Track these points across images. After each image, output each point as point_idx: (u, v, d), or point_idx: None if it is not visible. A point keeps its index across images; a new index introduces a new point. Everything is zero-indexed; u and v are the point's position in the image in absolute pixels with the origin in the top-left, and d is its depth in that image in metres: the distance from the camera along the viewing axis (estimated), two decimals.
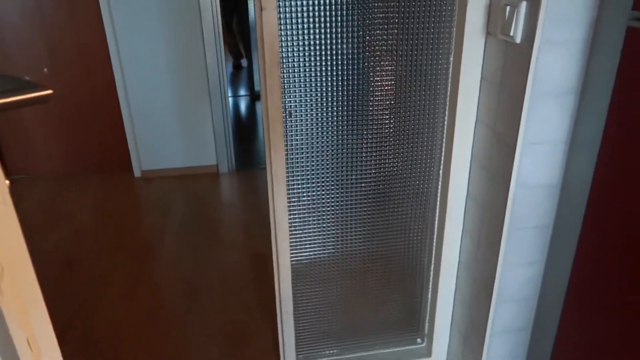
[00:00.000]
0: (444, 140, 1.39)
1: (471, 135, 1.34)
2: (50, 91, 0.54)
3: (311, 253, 1.49)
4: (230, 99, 4.96)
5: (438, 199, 1.46)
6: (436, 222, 1.49)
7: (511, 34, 1.10)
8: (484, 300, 1.36)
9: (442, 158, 1.41)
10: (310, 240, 1.47)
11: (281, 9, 1.21)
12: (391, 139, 1.40)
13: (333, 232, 1.48)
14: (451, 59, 1.31)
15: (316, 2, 1.22)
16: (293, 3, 1.21)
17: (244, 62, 6.04)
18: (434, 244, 1.53)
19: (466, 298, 1.48)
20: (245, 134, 4.23)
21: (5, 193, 0.52)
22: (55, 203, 3.00)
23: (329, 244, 1.49)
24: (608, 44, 1.03)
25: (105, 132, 3.31)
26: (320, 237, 1.47)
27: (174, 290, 2.18)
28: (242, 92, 5.49)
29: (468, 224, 1.43)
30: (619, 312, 1.08)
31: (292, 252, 1.45)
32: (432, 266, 1.56)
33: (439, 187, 1.45)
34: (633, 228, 1.01)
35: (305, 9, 1.22)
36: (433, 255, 1.54)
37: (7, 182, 0.52)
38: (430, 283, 1.58)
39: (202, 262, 2.38)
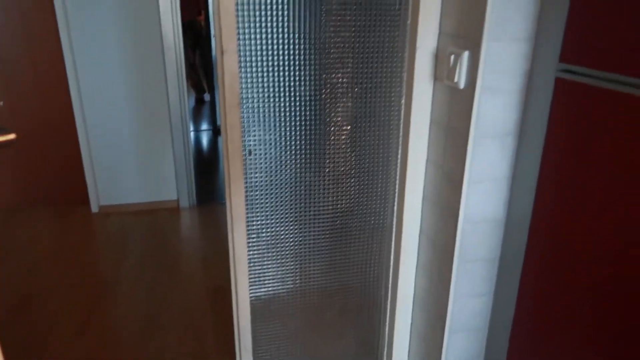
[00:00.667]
0: (397, 178, 1.46)
1: (422, 174, 1.41)
2: (13, 136, 0.56)
3: (270, 288, 1.51)
4: (192, 133, 4.96)
5: (393, 234, 1.52)
6: (392, 257, 1.55)
7: (455, 80, 1.19)
8: (438, 332, 1.41)
9: (396, 195, 1.48)
10: (269, 275, 1.49)
11: (241, 52, 1.26)
12: (348, 177, 1.45)
13: (292, 267, 1.50)
14: (402, 101, 1.39)
15: (275, 46, 1.29)
16: (253, 47, 1.27)
17: (207, 97, 6.08)
18: (390, 279, 1.57)
19: (421, 330, 1.52)
20: (206, 169, 4.22)
21: None
22: (6, 237, 2.89)
23: (288, 279, 1.51)
24: (540, 92, 1.13)
25: (62, 166, 3.25)
26: (279, 273, 1.49)
27: (131, 327, 2.13)
28: (204, 126, 5.51)
29: (421, 258, 1.49)
30: (562, 339, 1.14)
31: (251, 287, 1.47)
32: (389, 300, 1.60)
33: (394, 223, 1.51)
34: (570, 258, 1.09)
35: (264, 52, 1.28)
36: (389, 289, 1.59)
37: None
38: (387, 317, 1.62)
39: (160, 298, 2.34)
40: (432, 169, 1.38)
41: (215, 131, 5.23)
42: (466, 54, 1.16)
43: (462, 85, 1.19)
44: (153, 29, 2.94)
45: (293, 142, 1.38)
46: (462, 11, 1.18)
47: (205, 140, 5.12)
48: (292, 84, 1.33)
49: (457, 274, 1.33)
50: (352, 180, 1.46)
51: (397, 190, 1.47)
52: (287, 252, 1.48)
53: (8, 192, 3.24)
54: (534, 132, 1.16)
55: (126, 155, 3.16)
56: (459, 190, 1.24)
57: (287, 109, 1.35)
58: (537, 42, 1.12)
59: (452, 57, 1.20)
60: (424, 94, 1.33)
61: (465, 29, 1.17)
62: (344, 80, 1.37)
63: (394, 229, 1.52)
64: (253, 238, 1.42)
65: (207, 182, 3.85)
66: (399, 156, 1.43)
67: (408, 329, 1.60)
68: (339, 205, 1.47)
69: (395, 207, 1.49)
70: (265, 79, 1.31)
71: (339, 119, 1.41)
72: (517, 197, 1.25)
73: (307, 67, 1.33)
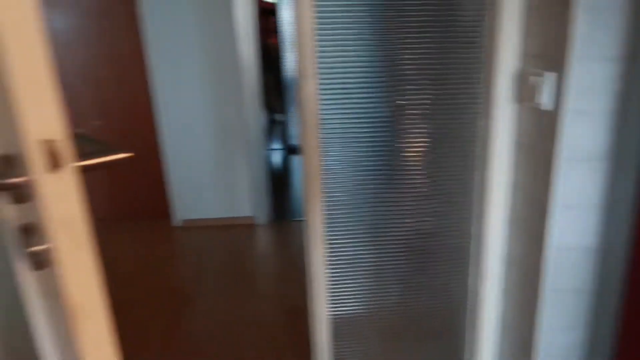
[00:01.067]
0: (479, 200, 1.42)
1: (505, 197, 1.37)
2: (131, 154, 0.63)
3: (349, 308, 1.51)
4: (266, 152, 5.13)
5: (475, 258, 1.48)
6: (474, 281, 1.50)
7: (540, 102, 1.16)
8: None
9: (477, 218, 1.44)
10: (347, 294, 1.49)
11: (320, 76, 1.30)
12: (427, 197, 1.44)
13: (370, 287, 1.50)
14: (483, 123, 1.36)
15: (353, 70, 1.32)
16: (332, 71, 1.31)
17: (280, 117, 6.27)
18: (473, 303, 1.53)
19: None
20: (279, 187, 4.33)
21: (84, 238, 0.59)
22: (99, 246, 3.13)
23: (366, 299, 1.51)
24: (635, 114, 1.07)
25: (147, 182, 3.48)
26: (357, 292, 1.50)
27: (210, 339, 2.21)
28: (277, 145, 5.67)
29: (506, 284, 1.43)
30: None
31: (329, 306, 1.48)
32: (471, 326, 1.55)
33: (475, 246, 1.47)
34: None
35: (343, 75, 1.32)
36: (472, 314, 1.54)
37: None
38: (470, 343, 1.57)
39: (238, 313, 2.41)
40: (515, 191, 1.33)
41: (288, 150, 5.36)
42: (551, 75, 1.12)
43: (547, 107, 1.15)
44: (231, 51, 3.10)
45: (371, 163, 1.39)
46: (546, 31, 1.14)
47: (277, 159, 5.26)
48: (370, 105, 1.35)
49: (545, 303, 1.27)
50: (432, 201, 1.44)
51: (478, 212, 1.43)
52: (365, 272, 1.48)
53: (99, 205, 3.51)
54: (628, 155, 1.10)
55: (205, 173, 3.33)
56: (545, 215, 1.19)
57: (366, 130, 1.37)
58: (633, 62, 1.07)
59: (536, 78, 1.17)
60: (505, 116, 1.30)
61: (550, 49, 1.13)
62: (422, 101, 1.37)
63: (475, 252, 1.48)
64: (331, 256, 1.44)
65: (280, 200, 3.95)
66: (480, 178, 1.40)
67: (491, 358, 1.54)
68: (418, 226, 1.46)
69: (477, 230, 1.45)
70: (344, 101, 1.34)
71: (418, 139, 1.41)
72: (612, 224, 1.17)
73: (385, 89, 1.35)
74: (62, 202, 0.56)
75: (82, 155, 0.61)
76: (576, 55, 1.07)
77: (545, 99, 1.14)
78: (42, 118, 0.53)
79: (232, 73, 3.14)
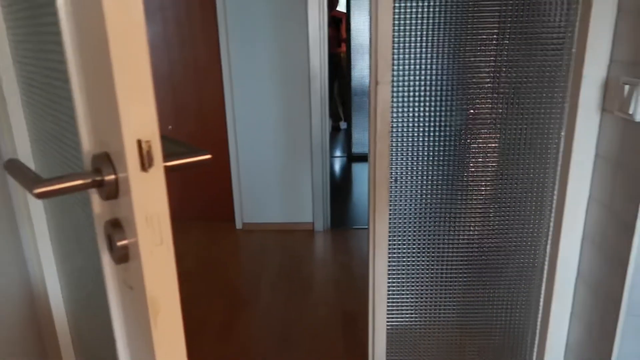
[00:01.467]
0: (553, 215, 1.35)
1: (583, 212, 1.29)
2: (209, 156, 0.65)
3: (408, 319, 1.48)
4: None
5: (544, 276, 1.40)
6: (542, 301, 1.42)
7: (630, 112, 1.08)
8: None
9: (551, 234, 1.37)
10: (407, 305, 1.46)
11: (394, 83, 1.29)
12: (496, 210, 1.39)
13: (431, 299, 1.46)
14: (562, 133, 1.30)
15: (426, 77, 1.30)
16: (406, 78, 1.30)
17: (343, 125, 6.30)
18: (539, 325, 1.45)
19: None
20: (340, 194, 4.34)
21: (167, 235, 0.61)
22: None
23: (426, 311, 1.48)
24: None
25: (214, 185, 3.59)
26: (418, 304, 1.46)
27: (266, 339, 2.25)
28: (338, 153, 5.68)
29: (578, 306, 1.34)
30: None
31: (388, 316, 1.46)
32: (536, 348, 1.47)
33: (546, 264, 1.40)
34: None
35: (417, 83, 1.30)
36: (537, 336, 1.46)
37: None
38: None
39: (294, 316, 2.43)
40: (596, 207, 1.25)
41: (350, 158, 5.37)
42: None
43: (638, 117, 1.07)
44: (302, 60, 3.16)
45: (440, 173, 1.36)
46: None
47: (338, 166, 5.28)
48: (442, 114, 1.32)
49: (624, 329, 1.18)
50: (501, 214, 1.39)
51: (552, 228, 1.36)
52: (427, 284, 1.45)
53: (173, 205, 3.67)
54: None
55: (269, 178, 3.39)
56: (630, 234, 1.11)
57: (436, 139, 1.34)
58: None
59: (627, 87, 1.09)
60: (589, 126, 1.23)
61: None
62: (496, 110, 1.33)
63: (545, 271, 1.40)
64: (394, 265, 1.42)
65: (340, 208, 3.96)
66: (556, 191, 1.33)
67: None
68: (485, 240, 1.41)
69: (549, 247, 1.38)
70: (416, 110, 1.32)
71: (489, 149, 1.36)
72: None
73: (458, 98, 1.32)
74: (151, 200, 0.59)
75: (169, 157, 0.64)
76: None
77: (636, 109, 1.06)
78: (140, 118, 0.55)
79: (301, 81, 3.20)
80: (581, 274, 1.32)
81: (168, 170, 0.64)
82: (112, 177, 0.60)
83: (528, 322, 1.47)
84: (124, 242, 0.61)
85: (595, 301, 1.26)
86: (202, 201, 3.66)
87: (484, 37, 1.27)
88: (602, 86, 1.20)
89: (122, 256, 0.62)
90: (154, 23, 3.29)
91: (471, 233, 1.41)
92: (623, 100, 1.11)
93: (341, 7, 5.57)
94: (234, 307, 2.53)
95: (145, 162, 0.56)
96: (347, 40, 4.94)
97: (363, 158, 5.15)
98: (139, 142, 0.55)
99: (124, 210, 0.61)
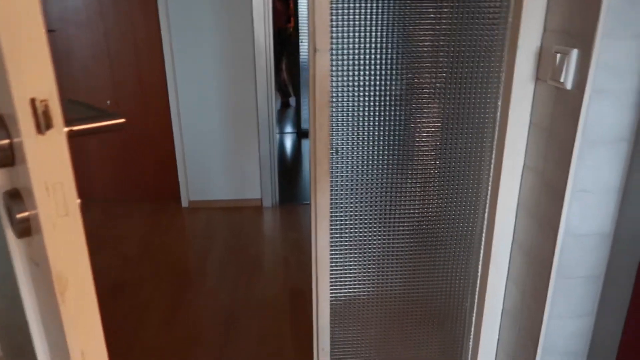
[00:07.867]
0: (490, 184, 1.38)
1: (518, 181, 1.32)
2: (123, 119, 0.60)
3: (351, 291, 1.48)
4: (277, 136, 5.09)
5: (482, 243, 1.44)
6: (480, 267, 1.46)
7: (562, 80, 1.10)
8: (530, 353, 1.31)
9: (488, 202, 1.40)
10: (350, 277, 1.47)
11: (334, 51, 1.26)
12: (436, 180, 1.40)
13: (374, 270, 1.47)
14: (499, 103, 1.31)
15: (367, 45, 1.27)
16: (345, 46, 1.26)
17: (292, 101, 6.22)
18: (477, 290, 1.49)
19: (509, 349, 1.42)
20: (289, 170, 4.31)
21: (74, 206, 0.56)
22: (103, 227, 3.14)
23: (369, 282, 1.48)
24: None
25: (158, 163, 3.47)
26: (360, 275, 1.47)
27: (213, 320, 2.21)
28: (289, 129, 5.63)
29: (513, 271, 1.39)
30: None
31: (332, 288, 1.46)
32: (475, 313, 1.51)
33: (484, 231, 1.43)
34: None
35: (356, 51, 1.27)
36: (476, 301, 1.50)
37: (78, 200, 0.56)
38: (472, 330, 1.53)
39: (242, 295, 2.40)
40: (529, 175, 1.28)
41: (300, 134, 5.33)
42: (575, 52, 1.07)
43: (569, 86, 1.09)
44: (246, 35, 3.06)
45: (381, 143, 1.35)
46: (573, 6, 1.09)
47: (289, 143, 5.23)
48: (382, 83, 1.31)
49: (554, 291, 1.23)
50: (441, 184, 1.40)
51: (489, 196, 1.39)
52: (369, 255, 1.45)
53: (108, 185, 3.52)
54: None
55: (215, 155, 3.31)
56: (560, 200, 1.14)
57: (377, 109, 1.33)
58: None
59: (559, 55, 1.11)
60: (523, 95, 1.25)
61: (576, 25, 1.08)
62: (437, 80, 1.32)
63: (483, 238, 1.43)
64: (336, 237, 1.41)
65: (289, 184, 3.93)
66: (493, 160, 1.35)
67: (494, 346, 1.50)
68: (425, 209, 1.42)
69: (486, 215, 1.41)
70: (356, 79, 1.30)
71: (430, 119, 1.36)
72: (630, 210, 1.12)
73: (399, 67, 1.30)
74: (51, 167, 0.53)
75: (75, 121, 0.58)
76: (604, 31, 1.01)
77: (567, 78, 1.09)
78: (34, 75, 0.49)
79: (246, 56, 3.11)
80: (516, 240, 1.37)
81: (74, 135, 0.59)
82: (6, 141, 0.53)
83: (467, 288, 1.51)
84: (24, 214, 0.56)
85: (528, 266, 1.30)
86: (145, 181, 3.53)
87: (425, 5, 1.25)
88: (536, 55, 1.22)
89: (24, 230, 0.57)
90: None
91: (412, 203, 1.42)
92: (555, 68, 1.13)
93: None
94: (180, 289, 2.47)
95: (42, 124, 0.50)
96: (295, 15, 4.85)
97: None
98: (33, 101, 0.49)
99: (22, 179, 0.55)
